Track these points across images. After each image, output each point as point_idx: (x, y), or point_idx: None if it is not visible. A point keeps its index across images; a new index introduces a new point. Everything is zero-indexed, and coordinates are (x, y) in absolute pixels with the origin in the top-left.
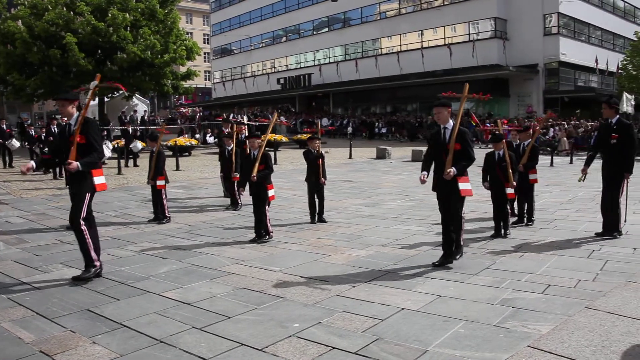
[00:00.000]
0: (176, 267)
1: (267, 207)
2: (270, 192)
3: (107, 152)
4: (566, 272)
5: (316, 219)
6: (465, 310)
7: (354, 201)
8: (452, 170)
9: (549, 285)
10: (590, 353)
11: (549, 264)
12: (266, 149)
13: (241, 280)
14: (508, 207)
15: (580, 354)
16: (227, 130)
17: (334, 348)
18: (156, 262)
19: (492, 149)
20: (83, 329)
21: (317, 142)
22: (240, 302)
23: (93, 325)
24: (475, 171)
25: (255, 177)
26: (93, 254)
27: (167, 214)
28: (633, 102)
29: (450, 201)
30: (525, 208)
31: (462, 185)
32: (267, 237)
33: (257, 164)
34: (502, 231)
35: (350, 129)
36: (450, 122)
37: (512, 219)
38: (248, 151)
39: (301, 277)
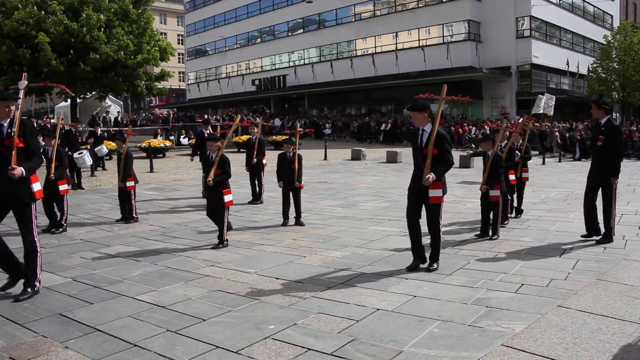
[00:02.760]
0: (150, 269)
1: (225, 213)
2: (227, 198)
3: (89, 161)
4: (539, 271)
5: (294, 222)
6: (440, 310)
7: (329, 202)
8: (431, 177)
9: (522, 284)
10: (562, 350)
11: (522, 264)
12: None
13: (216, 282)
14: (501, 207)
15: (553, 352)
16: (207, 132)
17: (309, 349)
18: (130, 265)
19: (484, 150)
20: (55, 333)
21: (292, 145)
22: (215, 304)
23: (65, 329)
24: (449, 172)
25: (212, 182)
26: (39, 271)
27: (134, 215)
28: (553, 103)
29: (426, 209)
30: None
31: (433, 192)
32: (221, 245)
33: (214, 168)
34: (490, 233)
35: (301, 130)
36: (429, 125)
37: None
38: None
39: (276, 278)
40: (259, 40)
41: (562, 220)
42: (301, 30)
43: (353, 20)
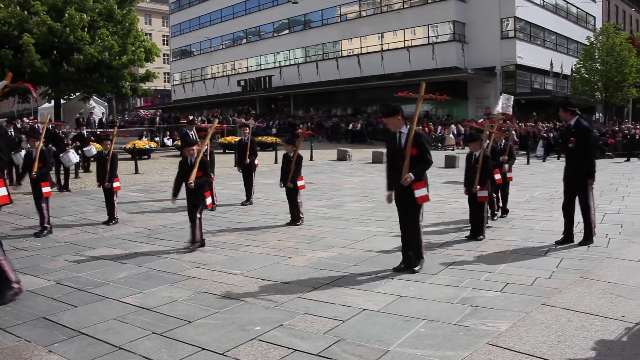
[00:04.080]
0: (135, 272)
1: (199, 215)
2: (208, 200)
3: (75, 158)
4: (523, 270)
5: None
6: (426, 310)
7: (315, 203)
8: (410, 177)
9: (507, 283)
10: (547, 348)
11: (507, 263)
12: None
13: (202, 284)
14: (488, 210)
15: (538, 350)
16: (192, 133)
17: (295, 350)
18: (115, 267)
19: (470, 150)
20: (38, 337)
21: (291, 146)
22: (201, 306)
23: (49, 333)
24: (434, 172)
25: (193, 184)
26: (12, 274)
27: (115, 216)
28: (511, 103)
29: (407, 209)
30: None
31: (418, 192)
32: (192, 245)
33: (194, 171)
34: (478, 233)
35: (274, 130)
36: (405, 126)
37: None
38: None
39: (262, 279)
40: (244, 40)
41: (547, 219)
42: (287, 31)
43: (339, 20)
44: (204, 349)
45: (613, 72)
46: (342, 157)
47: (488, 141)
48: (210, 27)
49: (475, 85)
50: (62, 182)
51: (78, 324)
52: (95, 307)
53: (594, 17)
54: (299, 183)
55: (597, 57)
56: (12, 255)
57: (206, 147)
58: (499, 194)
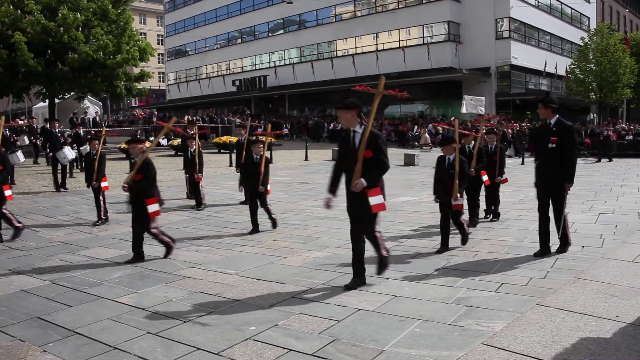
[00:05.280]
0: (130, 271)
1: (150, 224)
2: (152, 208)
3: (70, 154)
4: (518, 270)
5: (271, 226)
6: (421, 310)
7: (309, 203)
8: (361, 182)
9: (502, 283)
10: (542, 348)
11: (502, 263)
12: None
13: (197, 284)
14: (466, 218)
15: (532, 350)
16: (192, 132)
17: (290, 350)
18: (109, 267)
19: (443, 154)
20: (33, 337)
21: (261, 145)
22: (195, 306)
23: (44, 333)
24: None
25: (126, 186)
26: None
27: (102, 216)
28: (483, 103)
29: (361, 219)
30: (493, 205)
31: (373, 200)
32: (166, 254)
33: (134, 172)
34: (445, 248)
35: (260, 129)
36: (360, 125)
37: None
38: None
39: (257, 279)
40: (239, 40)
41: None
42: (282, 31)
43: (334, 20)
44: (199, 348)
45: (607, 73)
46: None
47: (473, 142)
48: (205, 27)
49: (470, 85)
50: (59, 181)
51: (73, 323)
52: (90, 307)
53: (588, 18)
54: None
55: (591, 57)
56: (6, 255)
57: (147, 148)
58: (489, 198)
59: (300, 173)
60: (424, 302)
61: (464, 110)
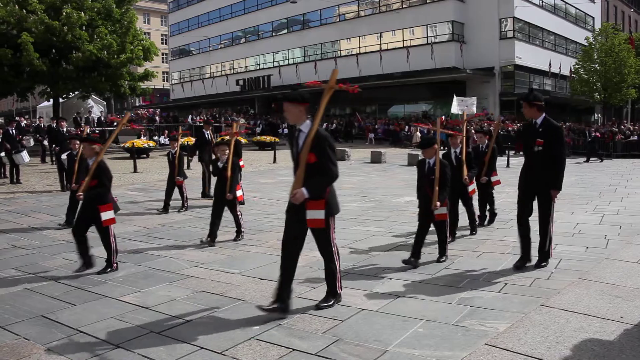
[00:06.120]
0: (134, 270)
1: (109, 233)
2: (106, 215)
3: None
4: (522, 271)
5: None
6: (424, 310)
7: None
8: (301, 192)
9: (506, 284)
10: (545, 349)
11: (506, 263)
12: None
13: (200, 283)
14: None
15: (536, 351)
16: (208, 133)
17: (294, 350)
18: None
19: (423, 157)
20: (37, 335)
21: (226, 148)
22: (199, 305)
23: (48, 331)
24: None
25: (81, 195)
26: None
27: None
28: (475, 103)
29: (300, 231)
30: (487, 208)
31: (311, 214)
32: (109, 269)
33: (88, 179)
34: (415, 258)
35: (258, 129)
36: (308, 122)
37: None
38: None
39: (261, 279)
40: (243, 40)
41: None
42: (285, 31)
43: (337, 20)
44: (202, 348)
45: (612, 73)
46: (341, 157)
47: (460, 145)
48: (209, 27)
49: (474, 85)
50: (65, 181)
51: (77, 322)
52: (93, 306)
53: (593, 18)
54: (238, 193)
55: (595, 57)
56: (10, 254)
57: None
58: (482, 201)
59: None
60: (428, 302)
61: (454, 110)
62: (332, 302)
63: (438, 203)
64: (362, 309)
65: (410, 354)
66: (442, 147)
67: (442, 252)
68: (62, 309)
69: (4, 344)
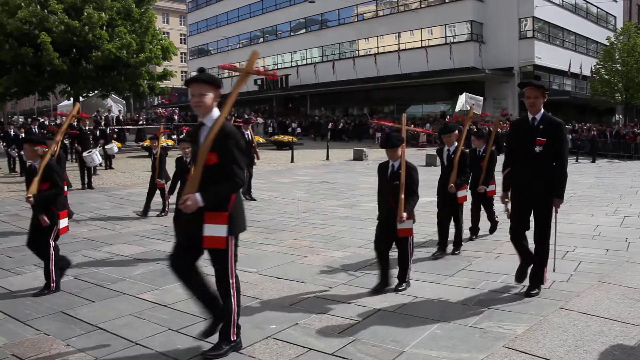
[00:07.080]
0: (152, 268)
1: (51, 243)
2: (62, 223)
3: (97, 159)
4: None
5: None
6: (442, 311)
7: (330, 202)
8: (194, 199)
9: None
10: (564, 353)
11: None
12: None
13: None
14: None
15: (555, 354)
16: (248, 132)
17: (311, 349)
18: (132, 264)
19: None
20: (57, 331)
21: (187, 146)
22: None
23: (67, 327)
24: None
25: (32, 200)
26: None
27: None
28: (481, 103)
29: (197, 248)
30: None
31: (209, 230)
32: (46, 291)
33: (36, 180)
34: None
35: (270, 129)
36: (214, 114)
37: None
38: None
39: (278, 278)
40: (261, 40)
41: (564, 222)
42: (304, 30)
43: (355, 20)
44: None
45: (634, 73)
46: (359, 156)
47: (455, 144)
48: (228, 26)
49: (493, 85)
50: (86, 180)
51: (95, 318)
52: (112, 303)
53: (615, 17)
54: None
55: (617, 57)
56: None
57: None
58: (475, 213)
59: (322, 172)
60: (445, 303)
61: (460, 106)
62: (225, 349)
63: (404, 215)
64: (379, 309)
65: (427, 355)
66: (437, 142)
67: (403, 277)
68: (82, 306)
69: (25, 338)
